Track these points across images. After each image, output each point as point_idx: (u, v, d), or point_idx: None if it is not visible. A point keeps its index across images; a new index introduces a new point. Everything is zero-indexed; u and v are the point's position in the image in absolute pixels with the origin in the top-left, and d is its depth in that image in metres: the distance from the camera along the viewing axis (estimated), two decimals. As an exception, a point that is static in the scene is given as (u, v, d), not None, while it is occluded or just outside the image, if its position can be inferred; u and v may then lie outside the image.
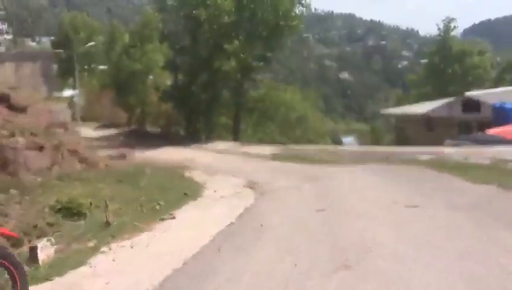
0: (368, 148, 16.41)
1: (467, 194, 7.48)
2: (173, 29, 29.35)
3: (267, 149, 19.76)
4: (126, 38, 36.57)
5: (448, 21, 37.77)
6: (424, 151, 12.47)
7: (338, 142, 64.23)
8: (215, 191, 9.61)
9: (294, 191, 9.08)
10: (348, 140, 70.00)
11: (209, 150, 21.54)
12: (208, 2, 24.23)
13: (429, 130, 26.56)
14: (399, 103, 41.16)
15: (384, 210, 7.05)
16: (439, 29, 38.16)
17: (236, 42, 23.64)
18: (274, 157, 16.78)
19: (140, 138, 29.37)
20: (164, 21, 28.20)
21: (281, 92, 28.19)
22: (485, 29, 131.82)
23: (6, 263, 3.62)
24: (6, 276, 3.62)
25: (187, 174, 12.39)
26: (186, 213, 8.10)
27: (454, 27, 38.51)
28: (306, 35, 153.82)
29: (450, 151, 11.87)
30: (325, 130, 33.84)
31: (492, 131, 19.21)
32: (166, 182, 10.54)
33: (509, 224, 5.81)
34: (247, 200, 8.38)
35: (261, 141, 26.70)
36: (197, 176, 12.33)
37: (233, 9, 24.15)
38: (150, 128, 36.42)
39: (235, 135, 27.56)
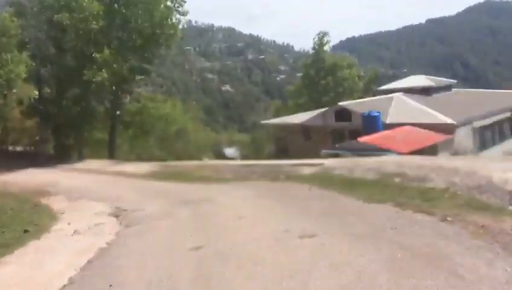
0: (249, 162, 15.85)
1: (365, 218, 6.35)
2: (34, 36, 26.06)
3: (144, 167, 18.26)
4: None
5: (322, 35, 39.93)
6: (305, 163, 12.08)
7: (220, 154, 64.30)
8: (69, 224, 7.83)
9: (167, 222, 7.46)
10: (230, 151, 70.51)
11: (78, 171, 19.27)
12: (72, 5, 21.80)
13: (306, 139, 27.41)
14: (278, 113, 42.32)
15: (275, 247, 5.45)
16: (314, 43, 40.15)
17: (107, 51, 21.59)
18: (150, 176, 15.42)
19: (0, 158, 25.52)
20: (24, 27, 24.79)
21: (159, 104, 26.62)
22: (350, 46, 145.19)
23: None
24: None
25: (44, 201, 10.44)
26: (6, 269, 5.92)
27: (327, 41, 40.77)
28: (187, 47, 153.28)
29: (331, 163, 11.45)
30: (207, 143, 33.04)
31: (363, 139, 20.23)
32: (4, 213, 8.48)
33: (427, 261, 4.49)
34: (105, 237, 6.66)
35: (139, 158, 24.93)
36: (56, 202, 10.45)
37: (101, 13, 22.00)
38: (12, 147, 32.07)
39: (111, 151, 25.34)
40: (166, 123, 26.56)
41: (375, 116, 23.02)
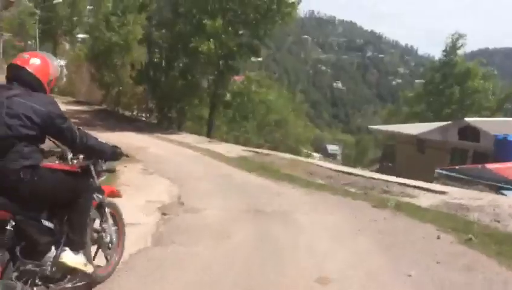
0: (349, 169, 13.34)
1: None
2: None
3: (235, 150, 16.70)
4: (109, 4, 33.23)
5: (457, 37, 34.86)
6: (421, 187, 9.26)
7: (321, 149, 61.79)
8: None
9: (218, 240, 4.95)
10: (332, 148, 67.47)
11: (170, 142, 18.43)
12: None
13: (420, 152, 23.81)
14: (389, 118, 38.43)
15: None
16: (446, 45, 35.22)
17: (219, 21, 20.38)
18: (236, 161, 13.73)
19: (107, 119, 26.10)
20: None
21: (263, 89, 24.92)
22: (483, 58, 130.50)
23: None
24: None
25: (121, 167, 9.28)
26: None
27: (462, 45, 35.54)
28: (305, 36, 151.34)
29: (458, 194, 8.38)
30: (308, 137, 30.74)
31: (493, 166, 16.46)
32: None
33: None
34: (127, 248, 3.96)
35: (236, 141, 23.61)
36: (130, 172, 9.39)
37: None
38: (123, 110, 33.12)
39: (209, 130, 24.38)
40: (267, 110, 24.84)
41: (512, 141, 18.82)
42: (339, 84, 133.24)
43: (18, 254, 2.55)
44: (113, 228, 3.55)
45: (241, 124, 25.13)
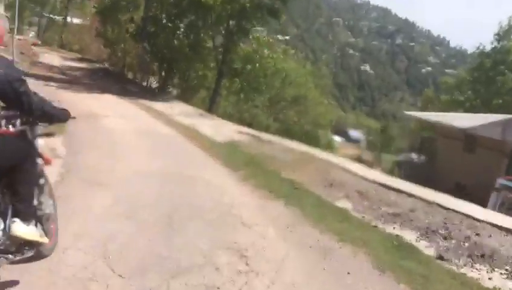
0: (395, 181, 8.05)
1: None
2: None
3: (228, 131, 11.78)
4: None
5: (513, 19, 28.21)
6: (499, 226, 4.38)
7: (343, 134, 55.89)
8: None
9: None
10: (355, 134, 61.68)
11: (148, 111, 13.54)
12: None
13: (468, 151, 18.25)
14: (425, 106, 32.47)
15: None
16: (499, 29, 28.55)
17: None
18: (221, 150, 8.80)
19: (99, 79, 21.41)
20: None
21: (278, 54, 19.49)
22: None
23: None
24: None
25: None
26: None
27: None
28: (336, 19, 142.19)
29: None
30: (329, 119, 24.95)
31: None
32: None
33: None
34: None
35: (240, 119, 18.60)
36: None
37: None
38: (129, 72, 28.31)
39: (212, 103, 19.37)
40: (282, 82, 19.45)
41: None
42: (367, 67, 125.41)
43: None
44: (50, 201, 3.09)
45: (250, 96, 19.80)
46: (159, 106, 15.17)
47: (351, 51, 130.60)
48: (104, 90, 16.99)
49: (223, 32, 18.13)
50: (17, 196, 2.51)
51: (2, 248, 2.40)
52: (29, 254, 2.64)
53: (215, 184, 6.11)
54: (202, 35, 19.11)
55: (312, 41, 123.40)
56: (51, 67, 21.33)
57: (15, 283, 2.73)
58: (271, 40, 19.61)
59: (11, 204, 2.50)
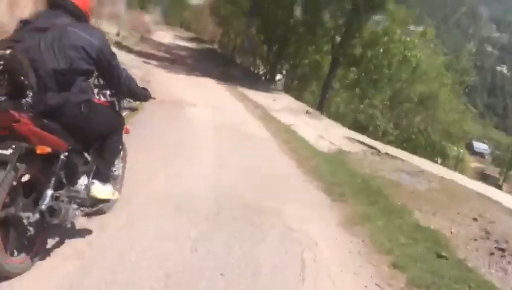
0: None
1: None
2: None
3: (337, 136, 9.21)
4: None
5: None
6: None
7: (466, 145, 48.61)
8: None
9: None
10: (480, 147, 53.63)
11: (245, 102, 11.59)
12: None
13: None
14: None
15: None
16: None
17: None
18: (324, 168, 6.22)
19: (203, 61, 20.25)
20: None
21: (412, 39, 15.72)
22: None
23: None
24: None
25: None
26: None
27: None
28: (481, 9, 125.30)
29: None
30: (465, 130, 20.13)
31: None
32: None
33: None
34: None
35: (354, 120, 15.73)
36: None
37: None
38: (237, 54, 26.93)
39: (322, 98, 16.71)
40: (411, 76, 15.77)
41: None
42: (504, 69, 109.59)
43: (64, 180, 2.50)
44: (121, 164, 3.37)
45: (368, 92, 16.43)
46: (260, 96, 13.08)
47: (489, 48, 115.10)
48: (204, 73, 15.55)
49: (348, 8, 15.02)
50: (102, 160, 2.73)
51: (79, 201, 2.62)
52: (99, 207, 2.89)
53: (300, 232, 3.69)
54: (322, 12, 16.32)
55: (447, 34, 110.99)
56: (158, 45, 20.84)
57: (88, 231, 2.89)
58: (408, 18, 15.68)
59: (95, 165, 2.72)
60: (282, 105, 12.38)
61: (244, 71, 19.69)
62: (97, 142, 2.68)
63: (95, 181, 2.70)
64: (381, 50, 15.01)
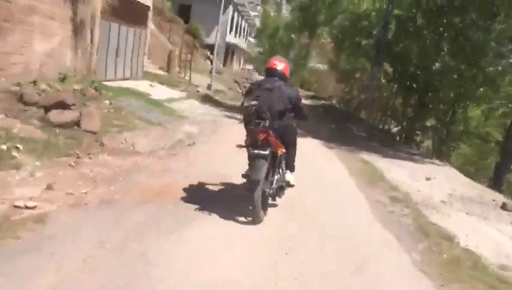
0: None
1: None
2: None
3: None
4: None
5: None
6: None
7: None
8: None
9: None
10: None
11: (366, 178, 6.14)
12: None
13: None
14: None
15: None
16: None
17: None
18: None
19: (315, 116, 15.14)
20: None
21: None
22: None
23: None
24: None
25: None
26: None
27: None
28: None
29: None
30: None
31: None
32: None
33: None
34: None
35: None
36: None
37: None
38: (362, 109, 21.43)
39: (499, 172, 10.41)
40: None
41: None
42: None
43: (278, 170, 4.27)
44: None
45: None
46: (397, 170, 7.47)
47: None
48: (310, 131, 10.30)
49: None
50: (289, 157, 4.39)
51: (271, 192, 4.15)
52: (282, 193, 4.40)
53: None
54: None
55: None
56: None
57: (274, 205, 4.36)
58: None
59: (284, 161, 4.38)
60: (446, 190, 6.58)
61: (369, 129, 14.05)
62: (288, 147, 4.31)
63: (287, 171, 4.44)
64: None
